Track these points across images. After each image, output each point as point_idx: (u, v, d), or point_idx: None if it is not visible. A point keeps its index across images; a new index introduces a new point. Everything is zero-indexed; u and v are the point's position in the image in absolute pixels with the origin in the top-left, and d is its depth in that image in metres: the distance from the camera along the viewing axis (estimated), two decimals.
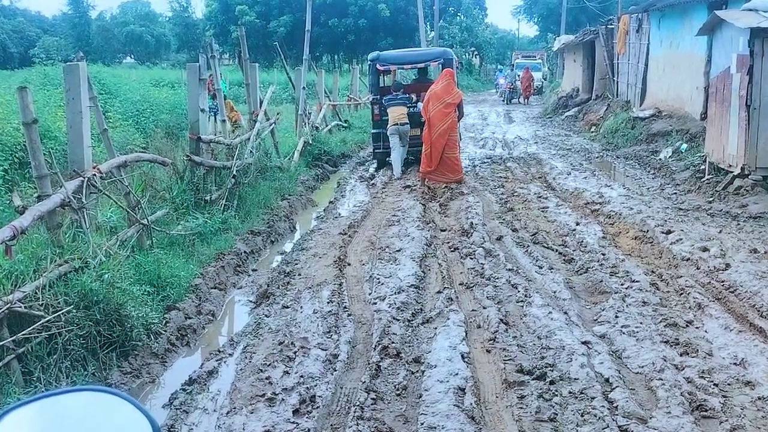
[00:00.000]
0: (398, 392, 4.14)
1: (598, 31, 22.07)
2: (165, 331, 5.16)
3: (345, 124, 18.78)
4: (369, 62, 13.41)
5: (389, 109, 12.32)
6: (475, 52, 63.07)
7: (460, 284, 6.18)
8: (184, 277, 5.97)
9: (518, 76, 33.41)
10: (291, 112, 17.10)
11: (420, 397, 4.04)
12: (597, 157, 14.36)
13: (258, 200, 9.05)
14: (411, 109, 12.42)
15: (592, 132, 18.53)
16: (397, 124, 12.28)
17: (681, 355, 4.48)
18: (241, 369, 4.58)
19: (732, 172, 9.55)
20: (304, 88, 14.10)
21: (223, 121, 10.39)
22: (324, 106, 17.17)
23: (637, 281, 5.98)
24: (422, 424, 3.70)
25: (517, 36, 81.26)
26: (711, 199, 9.29)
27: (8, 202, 6.35)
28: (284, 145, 12.89)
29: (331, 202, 10.36)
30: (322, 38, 50.92)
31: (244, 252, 7.35)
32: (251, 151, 9.61)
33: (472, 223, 8.24)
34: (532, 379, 4.22)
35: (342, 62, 60.63)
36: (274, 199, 9.62)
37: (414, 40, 52.20)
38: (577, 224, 8.21)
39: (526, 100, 32.75)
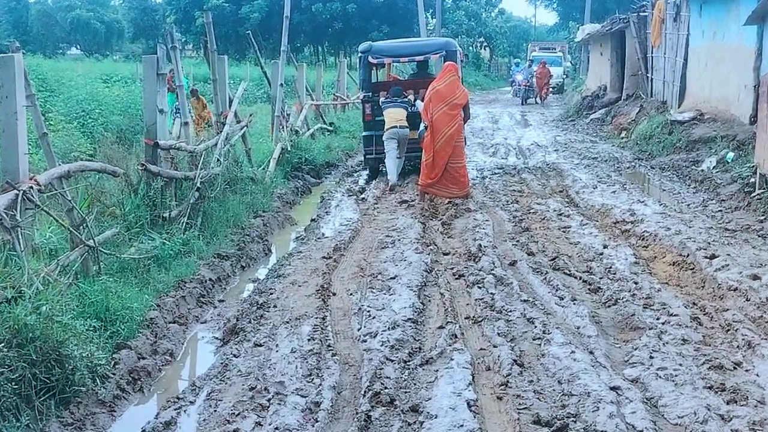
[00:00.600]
0: None
1: (628, 20, 22.27)
2: (114, 374, 5.13)
3: (330, 128, 18.86)
4: (360, 54, 13.59)
5: (386, 111, 12.53)
6: (484, 43, 63.53)
7: (466, 318, 6.18)
8: (138, 310, 5.95)
9: (534, 72, 33.60)
10: (266, 113, 17.16)
11: None
12: (628, 168, 14.44)
13: (226, 218, 9.05)
14: (410, 109, 12.64)
15: (622, 138, 18.65)
16: (395, 126, 12.42)
17: (728, 403, 4.49)
18: (204, 420, 4.56)
19: None
20: (281, 84, 14.17)
21: (186, 123, 10.42)
22: (305, 106, 17.26)
23: (675, 315, 5.99)
24: None
25: (533, 25, 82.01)
26: (763, 217, 9.34)
27: None
28: (258, 152, 12.92)
29: (313, 220, 10.38)
30: (303, 26, 51.25)
31: (210, 279, 7.34)
32: (218, 160, 9.62)
33: (480, 245, 8.26)
34: None
35: (327, 55, 60.95)
36: (246, 216, 9.63)
37: (413, 29, 52.62)
38: (605, 247, 8.25)
39: (542, 99, 32.94)
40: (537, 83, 32.91)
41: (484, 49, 64.72)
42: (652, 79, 20.56)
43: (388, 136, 12.44)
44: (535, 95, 33.66)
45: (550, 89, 34.56)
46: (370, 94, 13.24)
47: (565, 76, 44.00)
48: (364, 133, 13.56)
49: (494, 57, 66.23)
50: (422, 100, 11.72)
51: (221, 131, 10.37)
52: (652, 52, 20.53)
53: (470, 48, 55.63)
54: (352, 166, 15.36)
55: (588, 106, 25.74)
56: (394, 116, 12.46)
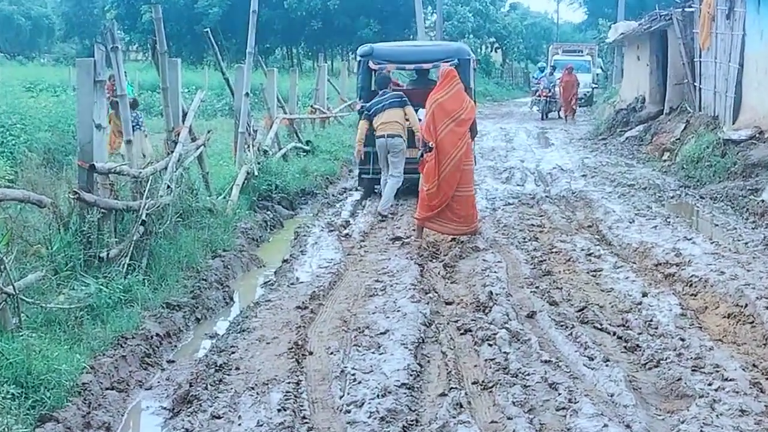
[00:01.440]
0: None
1: (671, 16, 22.41)
2: None
3: (307, 147, 18.93)
4: (359, 58, 14.13)
5: (375, 117, 12.68)
6: (495, 45, 64.09)
7: (473, 383, 6.18)
8: (67, 373, 5.90)
9: (557, 80, 33.78)
10: (228, 130, 17.16)
11: None
12: (672, 197, 14.54)
13: (178, 258, 9.03)
14: (404, 102, 12.68)
15: (665, 161, 18.79)
16: (383, 135, 12.63)
17: None
18: None
19: None
20: (247, 94, 14.22)
21: (128, 141, 10.42)
22: (276, 120, 17.32)
23: (731, 380, 6.00)
24: None
25: (555, 22, 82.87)
26: None
27: None
28: (218, 177, 12.92)
29: (285, 261, 10.37)
30: (274, 24, 51.63)
31: (157, 335, 7.30)
32: (169, 186, 9.62)
33: (491, 292, 8.27)
34: None
35: (303, 58, 61.38)
36: (202, 256, 9.61)
37: (409, 27, 53.13)
38: (644, 295, 8.26)
39: (567, 116, 32.80)
40: (561, 95, 32.86)
41: (496, 52, 65.35)
42: (700, 88, 20.64)
43: (378, 146, 12.75)
44: (558, 108, 33.86)
45: (577, 101, 34.47)
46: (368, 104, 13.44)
47: (594, 85, 44.43)
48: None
49: (507, 61, 66.83)
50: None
51: (173, 151, 10.39)
52: (700, 56, 20.56)
53: (479, 50, 56.19)
54: (333, 195, 15.39)
55: (622, 121, 25.93)
56: (383, 121, 12.67)
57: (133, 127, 11.39)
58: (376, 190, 13.38)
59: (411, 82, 16.20)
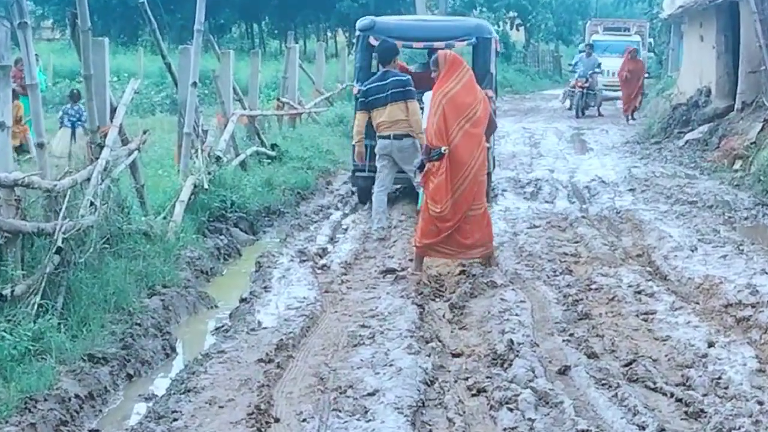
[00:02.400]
0: None
1: None
2: None
3: (272, 153, 18.92)
4: (358, 33, 14.75)
5: (375, 110, 12.68)
6: (516, 21, 64.26)
7: None
8: None
9: (597, 65, 33.76)
10: (170, 130, 17.15)
11: None
12: (746, 218, 14.55)
13: (104, 296, 8.99)
14: (409, 93, 12.78)
15: (736, 171, 18.80)
16: (388, 136, 12.64)
17: None
18: None
19: None
20: (195, 84, 14.22)
21: (41, 145, 10.36)
22: (232, 118, 17.30)
23: None
24: None
25: None
26: None
27: None
28: (156, 191, 12.91)
29: (243, 300, 10.33)
30: None
31: (77, 396, 7.26)
32: (93, 204, 9.60)
33: (511, 341, 8.25)
34: None
35: (268, 38, 61.48)
36: (136, 293, 9.58)
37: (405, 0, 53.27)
38: (711, 345, 8.25)
39: (628, 114, 32.67)
40: (622, 87, 32.79)
41: (517, 30, 65.55)
42: None
43: (380, 149, 12.77)
44: (598, 104, 33.91)
45: (640, 98, 33.79)
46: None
47: (646, 75, 44.46)
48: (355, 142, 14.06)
49: (532, 42, 67.02)
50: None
51: (98, 158, 10.36)
52: None
53: (495, 28, 56.36)
54: (306, 215, 15.37)
55: (681, 120, 25.97)
56: (386, 118, 12.67)
57: (73, 123, 11.49)
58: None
59: (421, 66, 16.44)
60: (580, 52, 38.08)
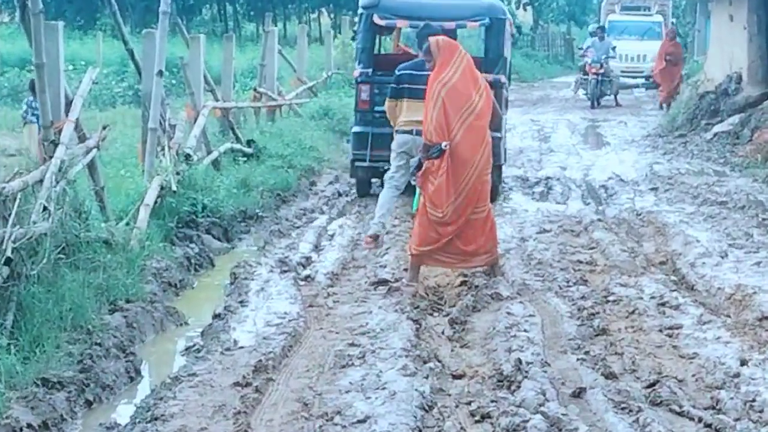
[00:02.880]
0: None
1: None
2: None
3: (248, 149, 18.91)
4: (361, 11, 15.30)
5: (405, 101, 12.30)
6: (524, 0, 64.33)
7: None
8: None
9: (612, 49, 33.77)
10: (134, 125, 17.13)
11: None
12: None
13: (60, 312, 8.97)
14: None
15: None
16: (410, 131, 12.11)
17: None
18: None
19: None
20: (160, 73, 14.24)
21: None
22: (203, 111, 17.32)
23: None
24: None
25: None
26: None
27: None
28: (117, 194, 12.91)
29: (217, 316, 10.33)
30: None
31: (29, 426, 7.27)
32: (46, 209, 9.61)
33: (519, 361, 8.26)
34: None
35: (243, 20, 61.42)
36: (95, 309, 9.55)
37: None
38: (744, 363, 8.27)
39: (664, 103, 32.53)
40: (663, 73, 32.50)
41: (524, 10, 65.62)
42: None
43: (399, 145, 12.33)
44: (615, 92, 33.94)
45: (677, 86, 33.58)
46: (370, 71, 14.40)
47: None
48: (355, 129, 14.73)
49: (541, 23, 67.11)
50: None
51: (52, 156, 10.36)
52: None
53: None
54: (288, 219, 15.35)
55: (709, 110, 25.98)
56: (418, 109, 11.85)
57: (23, 116, 11.44)
58: (373, 191, 13.42)
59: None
60: (591, 35, 37.95)
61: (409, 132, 12.25)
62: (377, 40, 15.68)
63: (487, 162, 11.04)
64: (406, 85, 12.46)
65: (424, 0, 15.87)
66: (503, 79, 16.22)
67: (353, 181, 16.61)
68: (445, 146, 10.66)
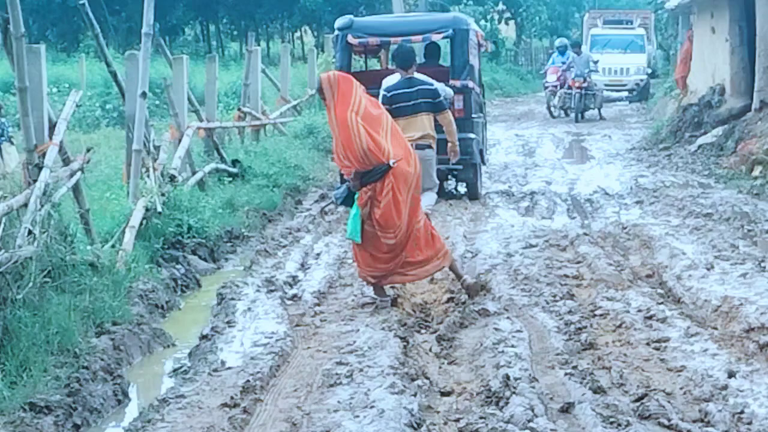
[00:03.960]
0: None
1: None
2: None
3: (234, 169, 18.90)
4: (336, 32, 17.26)
5: (401, 119, 12.69)
6: (506, 15, 64.47)
7: None
8: None
9: (591, 62, 33.76)
10: (118, 146, 17.07)
11: None
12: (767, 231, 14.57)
13: (46, 336, 8.94)
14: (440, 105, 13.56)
15: (756, 177, 18.86)
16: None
17: None
18: None
19: None
20: (144, 94, 14.23)
21: None
22: (187, 131, 17.30)
23: None
24: None
25: None
26: None
27: None
28: (102, 216, 12.91)
29: (204, 337, 10.32)
30: None
31: None
32: (31, 232, 9.58)
33: (507, 376, 8.25)
34: None
35: (226, 39, 61.47)
36: (82, 332, 9.53)
37: None
38: (732, 375, 8.26)
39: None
40: (680, 80, 31.82)
41: (506, 25, 65.80)
42: None
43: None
44: (599, 105, 34.01)
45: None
46: None
47: (649, 71, 44.67)
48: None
49: (524, 38, 67.28)
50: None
51: (36, 180, 10.34)
52: None
53: (481, 24, 56.53)
54: (274, 238, 15.34)
55: (692, 122, 26.05)
56: (414, 125, 12.92)
57: None
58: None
59: (420, 66, 16.67)
60: (560, 51, 36.72)
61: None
62: (365, 60, 17.43)
63: (420, 174, 11.27)
64: (400, 104, 13.15)
65: (392, 19, 18.24)
66: (470, 84, 17.49)
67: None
68: (393, 163, 10.75)
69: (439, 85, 14.01)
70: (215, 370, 9.06)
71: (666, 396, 7.92)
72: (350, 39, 17.12)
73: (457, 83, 17.00)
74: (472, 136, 17.18)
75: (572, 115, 34.03)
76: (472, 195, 18.00)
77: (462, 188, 18.88)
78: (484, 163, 19.19)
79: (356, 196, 10.96)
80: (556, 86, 34.52)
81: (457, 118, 15.39)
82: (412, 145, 12.28)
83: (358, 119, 10.78)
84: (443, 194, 17.26)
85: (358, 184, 10.90)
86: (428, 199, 13.60)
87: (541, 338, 9.63)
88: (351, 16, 17.79)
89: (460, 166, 16.81)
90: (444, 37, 17.66)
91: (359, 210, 10.96)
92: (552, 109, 35.61)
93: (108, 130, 27.61)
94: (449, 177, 18.19)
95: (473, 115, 17.63)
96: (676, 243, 13.59)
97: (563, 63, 34.62)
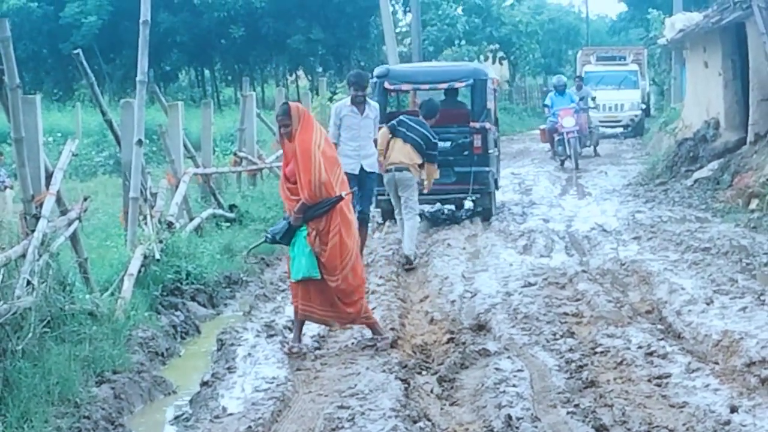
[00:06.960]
0: None
1: (750, 5, 22.55)
2: None
3: (231, 214, 18.89)
4: (375, 79, 19.76)
5: (396, 139, 15.81)
6: (500, 54, 64.71)
7: None
8: None
9: (590, 98, 33.55)
10: (115, 194, 17.08)
11: None
12: (766, 264, 14.56)
13: (46, 386, 8.93)
14: (429, 149, 15.97)
15: (753, 211, 18.83)
16: (390, 169, 15.81)
17: None
18: None
19: None
20: (140, 142, 14.24)
21: None
22: (184, 177, 17.30)
23: None
24: None
25: (585, 17, 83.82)
26: None
27: None
28: (101, 265, 12.89)
29: (205, 383, 10.29)
30: (177, 35, 51.91)
31: None
32: (30, 283, 9.57)
33: (509, 417, 8.25)
34: None
35: (221, 84, 61.62)
36: (82, 382, 9.51)
37: (366, 35, 53.53)
38: (734, 410, 8.25)
39: None
40: None
41: (501, 64, 65.97)
42: None
43: (385, 183, 16.14)
44: (596, 143, 33.92)
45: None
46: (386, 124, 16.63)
47: (644, 106, 44.78)
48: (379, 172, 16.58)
49: (517, 77, 67.47)
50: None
51: (33, 230, 10.34)
52: None
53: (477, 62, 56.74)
54: (273, 283, 15.33)
55: (688, 156, 26.00)
56: (401, 150, 15.61)
57: None
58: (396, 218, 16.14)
59: (441, 103, 19.24)
60: (559, 92, 33.19)
61: (389, 171, 15.91)
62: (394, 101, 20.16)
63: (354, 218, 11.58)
64: (403, 129, 15.82)
65: (421, 68, 21.53)
66: (488, 125, 20.12)
67: (378, 210, 19.71)
68: (345, 194, 10.93)
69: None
70: (217, 417, 9.05)
71: None
72: (387, 85, 19.95)
73: (477, 125, 19.75)
74: (487, 169, 19.90)
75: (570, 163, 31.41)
76: (486, 216, 20.45)
77: (463, 214, 21.28)
78: (497, 188, 22.02)
79: (301, 234, 10.98)
80: (578, 130, 30.79)
81: (477, 154, 19.42)
82: (392, 168, 15.73)
83: (317, 151, 10.94)
84: (457, 219, 20.61)
85: (301, 218, 10.95)
86: (409, 233, 15.87)
87: (542, 377, 9.61)
88: (387, 66, 21.69)
89: (478, 195, 20.03)
90: (465, 86, 20.34)
91: (310, 247, 10.96)
92: (562, 157, 31.69)
93: (105, 178, 27.66)
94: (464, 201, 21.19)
95: (489, 151, 20.13)
96: (674, 278, 13.56)
97: (572, 101, 31.77)
